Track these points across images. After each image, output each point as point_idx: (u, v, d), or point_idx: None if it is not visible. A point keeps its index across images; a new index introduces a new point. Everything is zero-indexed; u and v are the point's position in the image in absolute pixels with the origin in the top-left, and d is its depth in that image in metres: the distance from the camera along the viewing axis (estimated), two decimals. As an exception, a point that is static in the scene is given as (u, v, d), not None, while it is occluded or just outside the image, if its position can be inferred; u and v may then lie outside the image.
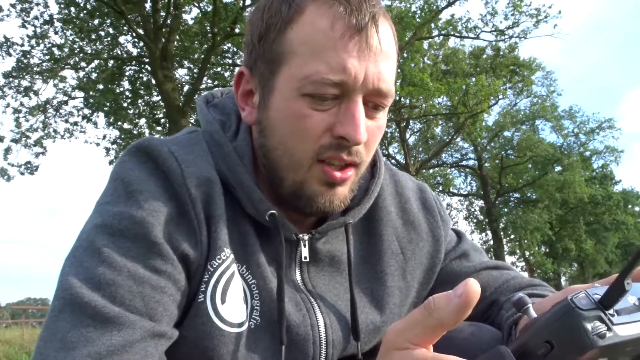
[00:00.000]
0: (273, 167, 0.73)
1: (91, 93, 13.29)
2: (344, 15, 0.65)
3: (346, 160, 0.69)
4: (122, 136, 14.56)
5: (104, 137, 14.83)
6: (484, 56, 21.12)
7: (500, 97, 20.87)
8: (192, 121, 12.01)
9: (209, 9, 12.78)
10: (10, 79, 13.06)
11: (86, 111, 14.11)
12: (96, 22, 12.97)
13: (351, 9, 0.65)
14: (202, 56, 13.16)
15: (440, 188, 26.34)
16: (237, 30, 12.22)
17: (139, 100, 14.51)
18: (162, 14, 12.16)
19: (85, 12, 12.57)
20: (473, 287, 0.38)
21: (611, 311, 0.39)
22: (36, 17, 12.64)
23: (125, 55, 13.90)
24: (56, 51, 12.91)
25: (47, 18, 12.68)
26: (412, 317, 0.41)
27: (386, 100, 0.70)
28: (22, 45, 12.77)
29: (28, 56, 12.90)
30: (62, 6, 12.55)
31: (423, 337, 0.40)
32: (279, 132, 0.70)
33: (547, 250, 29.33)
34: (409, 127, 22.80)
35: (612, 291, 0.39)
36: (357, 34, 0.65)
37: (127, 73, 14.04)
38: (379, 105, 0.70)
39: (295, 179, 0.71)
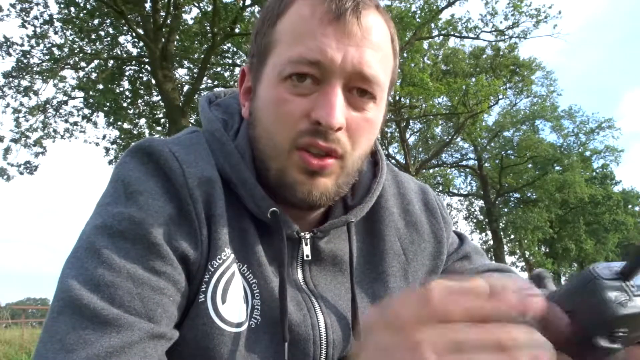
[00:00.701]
0: (260, 158, 0.73)
1: (91, 93, 13.30)
2: (325, 2, 0.67)
3: (323, 147, 0.67)
4: (122, 136, 14.58)
5: (104, 137, 14.85)
6: (484, 56, 21.14)
7: (500, 97, 20.90)
8: (192, 121, 12.03)
9: (209, 9, 12.78)
10: (10, 79, 13.07)
11: (86, 111, 14.14)
12: (96, 22, 12.98)
13: None
14: (202, 56, 13.16)
15: (440, 188, 26.39)
16: (237, 30, 12.23)
17: (139, 100, 14.53)
18: (162, 14, 12.17)
19: (85, 12, 12.57)
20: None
21: (632, 282, 0.40)
22: (36, 17, 12.65)
23: (125, 55, 13.91)
24: (56, 51, 12.92)
25: (47, 18, 12.70)
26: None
27: (371, 86, 0.69)
28: (22, 45, 12.79)
29: (28, 56, 12.92)
30: (62, 6, 12.55)
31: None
32: (263, 120, 0.71)
33: (547, 250, 29.37)
34: (409, 127, 22.84)
35: (633, 263, 0.39)
36: (336, 20, 0.66)
37: (127, 73, 14.05)
38: (365, 90, 0.69)
39: (277, 167, 0.70)
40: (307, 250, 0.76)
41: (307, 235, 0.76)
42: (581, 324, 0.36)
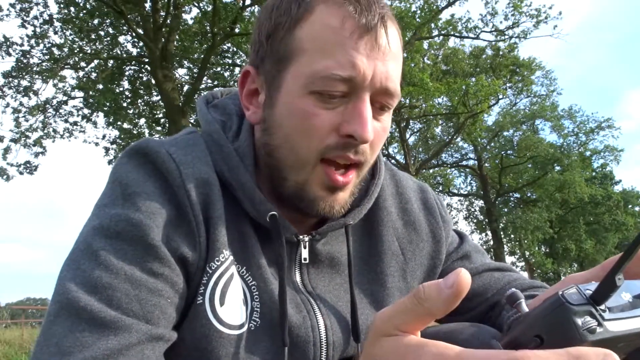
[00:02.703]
0: (276, 167, 0.72)
1: (91, 93, 13.32)
2: (354, 15, 0.65)
3: (352, 160, 0.69)
4: (122, 136, 14.59)
5: (104, 136, 14.88)
6: (484, 56, 21.14)
7: (500, 97, 20.89)
8: (192, 121, 12.03)
9: (208, 9, 12.79)
10: (10, 79, 13.08)
11: (86, 111, 14.17)
12: (96, 21, 12.99)
13: (361, 9, 0.66)
14: (202, 56, 13.16)
15: (440, 188, 26.40)
16: (237, 30, 12.23)
17: (139, 100, 14.54)
18: (162, 13, 12.17)
19: (84, 11, 12.58)
20: (464, 277, 0.38)
21: (603, 307, 0.39)
22: (36, 17, 12.67)
23: (125, 55, 13.91)
24: (56, 51, 12.93)
25: (47, 18, 12.72)
26: (401, 305, 0.40)
27: (392, 100, 0.70)
28: (22, 45, 12.80)
29: (28, 56, 12.94)
30: (62, 6, 12.57)
31: (411, 324, 0.40)
32: (284, 130, 0.70)
33: (547, 250, 29.39)
34: (409, 127, 22.86)
35: (603, 287, 0.39)
36: (367, 33, 0.65)
37: (126, 73, 14.07)
38: (385, 105, 0.70)
39: (298, 180, 0.70)
40: (305, 253, 0.76)
41: (306, 238, 0.76)
42: (550, 349, 0.36)
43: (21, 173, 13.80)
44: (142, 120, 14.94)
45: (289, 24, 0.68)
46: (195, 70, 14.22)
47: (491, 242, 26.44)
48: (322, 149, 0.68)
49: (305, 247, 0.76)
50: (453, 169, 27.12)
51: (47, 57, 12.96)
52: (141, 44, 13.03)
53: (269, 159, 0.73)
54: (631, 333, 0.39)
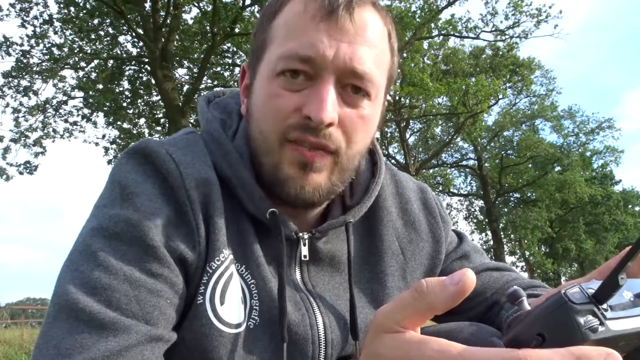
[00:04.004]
0: (255, 153, 0.73)
1: (91, 93, 13.31)
2: None
3: (313, 142, 0.67)
4: (122, 136, 14.59)
5: (104, 136, 14.87)
6: (484, 56, 21.13)
7: (500, 97, 20.87)
8: (192, 121, 12.03)
9: (208, 9, 12.78)
10: (10, 79, 13.08)
11: (86, 111, 14.16)
12: (96, 21, 13.00)
13: None
14: (202, 56, 13.16)
15: (440, 188, 26.39)
16: (237, 30, 12.24)
17: (139, 100, 14.53)
18: (162, 13, 12.17)
19: (84, 11, 12.58)
20: (470, 277, 0.38)
21: (605, 306, 0.39)
22: (36, 17, 12.67)
23: (124, 55, 13.91)
24: (56, 51, 12.93)
25: (47, 18, 12.71)
26: (402, 299, 0.40)
27: (363, 82, 0.69)
28: (22, 45, 12.80)
29: (27, 56, 12.93)
30: (62, 6, 12.56)
31: (412, 320, 0.40)
32: (256, 116, 0.72)
33: (547, 250, 29.40)
34: (409, 127, 22.87)
35: (606, 286, 0.39)
36: (328, 16, 0.66)
37: (126, 73, 14.05)
38: (358, 88, 0.69)
39: (270, 163, 0.70)
40: (305, 250, 0.76)
41: (305, 236, 0.76)
42: (552, 347, 0.36)
43: (21, 173, 13.80)
44: (142, 120, 14.95)
45: (269, 16, 0.72)
46: (195, 70, 14.21)
47: (491, 242, 26.46)
48: (283, 129, 0.68)
49: (305, 245, 0.76)
50: (453, 169, 27.16)
51: (47, 57, 12.95)
52: (141, 44, 13.03)
53: (251, 149, 0.74)
54: (633, 332, 0.39)
